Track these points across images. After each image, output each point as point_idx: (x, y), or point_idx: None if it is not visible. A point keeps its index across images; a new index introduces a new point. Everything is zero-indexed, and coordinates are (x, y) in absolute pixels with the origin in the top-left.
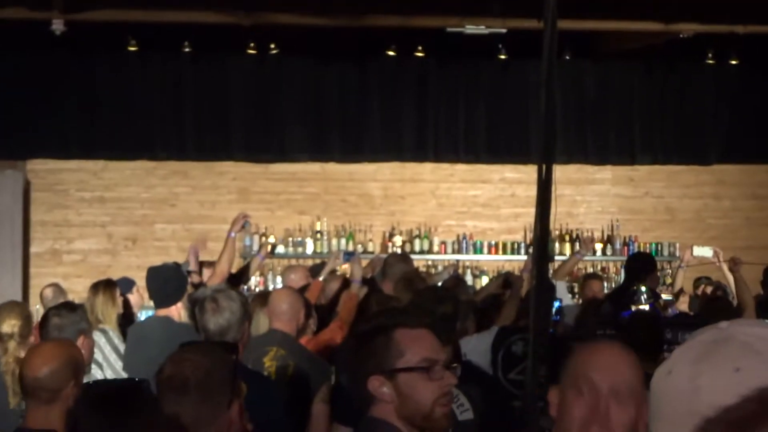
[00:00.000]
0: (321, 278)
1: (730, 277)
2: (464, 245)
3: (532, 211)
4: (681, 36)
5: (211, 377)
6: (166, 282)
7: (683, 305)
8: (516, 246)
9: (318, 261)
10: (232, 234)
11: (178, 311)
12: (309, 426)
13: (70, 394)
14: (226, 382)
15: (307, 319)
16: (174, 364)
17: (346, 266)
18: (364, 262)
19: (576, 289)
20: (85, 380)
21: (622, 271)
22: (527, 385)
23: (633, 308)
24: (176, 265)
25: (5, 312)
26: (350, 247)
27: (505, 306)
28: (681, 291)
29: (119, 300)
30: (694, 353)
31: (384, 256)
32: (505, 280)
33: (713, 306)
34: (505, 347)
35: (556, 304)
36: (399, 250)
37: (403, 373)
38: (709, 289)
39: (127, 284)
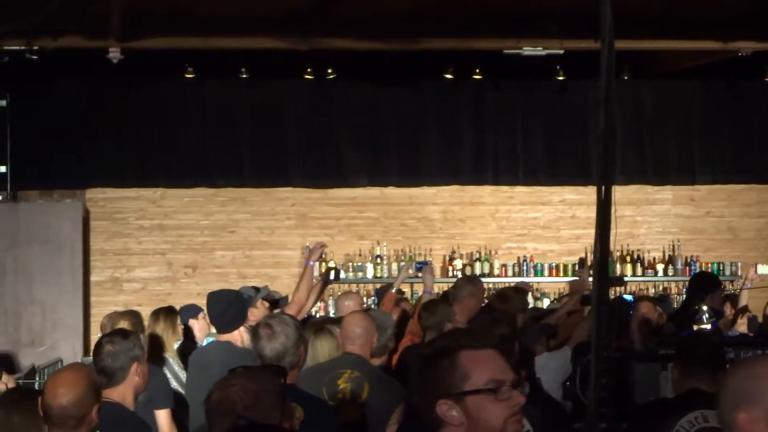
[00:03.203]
0: (394, 290)
1: None
2: (525, 267)
3: (593, 232)
4: (739, 54)
5: (259, 401)
6: (228, 307)
7: (742, 326)
8: (577, 267)
9: (378, 285)
10: (311, 262)
11: (241, 336)
12: None
13: (94, 418)
14: (274, 406)
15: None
16: (222, 389)
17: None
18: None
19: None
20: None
21: (684, 291)
22: (589, 404)
23: (695, 327)
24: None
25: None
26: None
27: (579, 325)
28: (744, 309)
29: (180, 327)
30: None
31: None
32: (583, 298)
33: None
34: (582, 364)
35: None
36: (459, 274)
37: (470, 396)
38: None
39: (194, 311)
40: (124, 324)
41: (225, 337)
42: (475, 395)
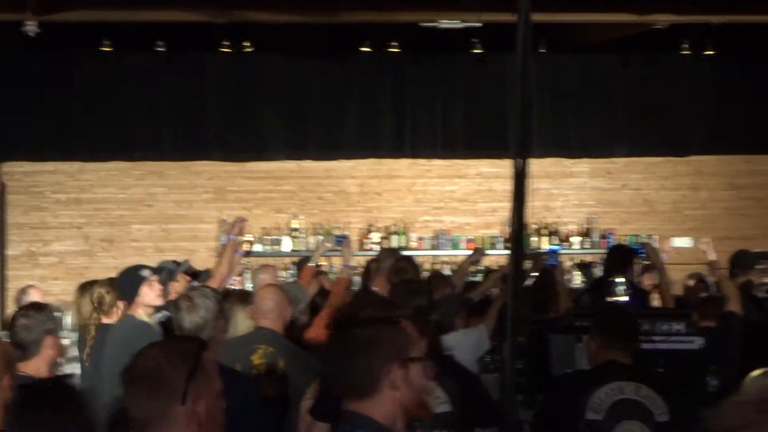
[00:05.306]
0: (312, 264)
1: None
2: (441, 241)
3: (509, 205)
4: (656, 27)
5: (162, 371)
6: (123, 281)
7: (656, 300)
8: (494, 241)
9: (296, 258)
10: (232, 237)
11: (144, 309)
12: (301, 422)
13: (6, 386)
14: (180, 377)
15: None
16: (133, 358)
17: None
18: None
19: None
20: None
21: (600, 264)
22: (505, 377)
23: (610, 299)
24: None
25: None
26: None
27: (493, 303)
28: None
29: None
30: None
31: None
32: (504, 276)
33: (691, 299)
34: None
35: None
36: (376, 248)
37: (413, 362)
38: (690, 282)
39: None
40: (101, 291)
41: (129, 311)
42: (416, 362)
